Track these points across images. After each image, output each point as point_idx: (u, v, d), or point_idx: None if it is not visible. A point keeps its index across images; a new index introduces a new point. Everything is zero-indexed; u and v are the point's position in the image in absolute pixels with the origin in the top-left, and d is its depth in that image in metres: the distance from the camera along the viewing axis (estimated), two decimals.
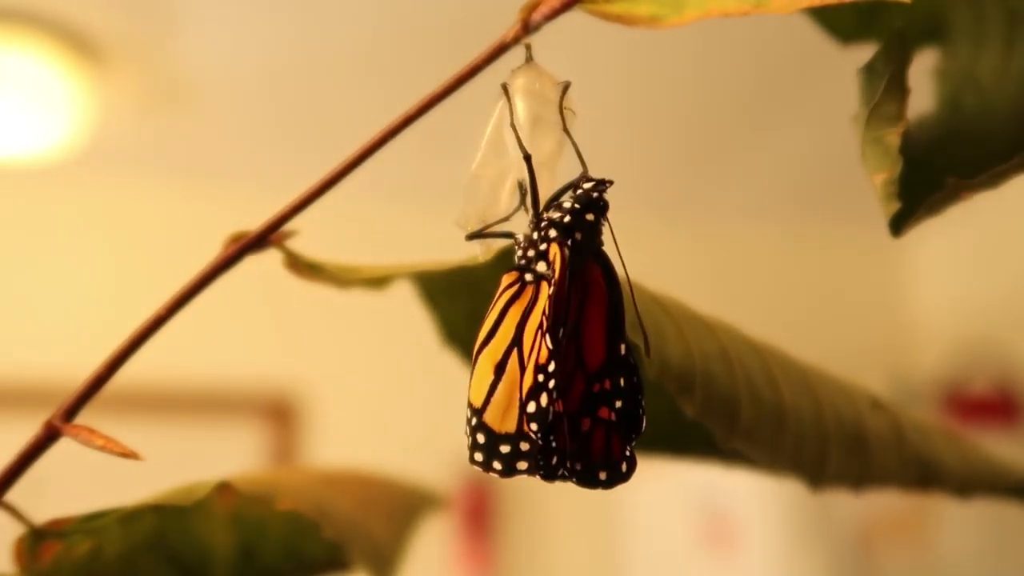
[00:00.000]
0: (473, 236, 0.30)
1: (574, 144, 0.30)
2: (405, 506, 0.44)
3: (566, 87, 0.29)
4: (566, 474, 0.29)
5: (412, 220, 1.99)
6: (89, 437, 0.31)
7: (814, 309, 2.28)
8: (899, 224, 0.31)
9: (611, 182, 0.30)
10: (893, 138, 0.30)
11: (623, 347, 0.30)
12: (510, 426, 0.29)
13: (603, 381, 0.30)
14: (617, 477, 0.30)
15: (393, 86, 1.52)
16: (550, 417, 0.28)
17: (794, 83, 1.80)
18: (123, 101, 1.78)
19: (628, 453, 0.30)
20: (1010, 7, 0.34)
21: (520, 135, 0.30)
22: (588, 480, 0.30)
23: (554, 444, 0.29)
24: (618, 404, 0.29)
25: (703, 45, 1.68)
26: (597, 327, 0.30)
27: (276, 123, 1.90)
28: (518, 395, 0.29)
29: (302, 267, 0.33)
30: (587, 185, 0.30)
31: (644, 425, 0.30)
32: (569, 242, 0.30)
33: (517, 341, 0.29)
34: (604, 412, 0.30)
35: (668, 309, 0.32)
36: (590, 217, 0.30)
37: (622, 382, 0.29)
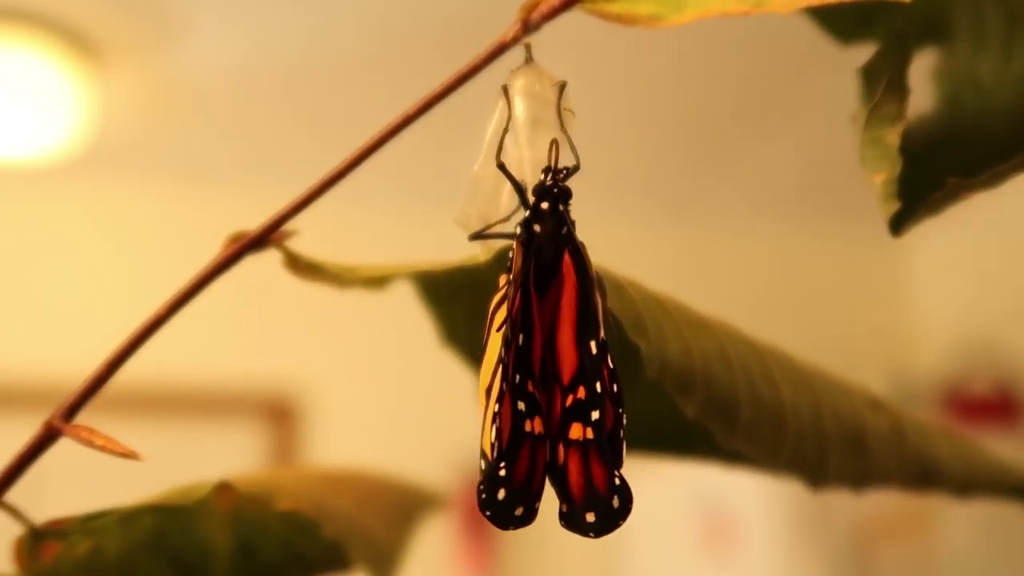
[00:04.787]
0: (475, 236, 0.29)
1: (569, 140, 0.28)
2: (405, 506, 0.44)
3: (563, 87, 0.29)
4: (523, 517, 0.24)
5: (412, 220, 1.99)
6: (89, 437, 0.31)
7: (814, 308, 2.28)
8: (899, 224, 0.31)
9: (575, 168, 0.27)
10: (893, 138, 0.30)
11: (594, 344, 0.25)
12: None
13: (576, 390, 0.25)
14: (610, 518, 0.24)
15: (393, 87, 1.52)
16: (498, 448, 0.24)
17: (794, 83, 1.80)
18: (124, 101, 1.78)
19: (618, 482, 0.24)
20: (1010, 7, 0.34)
21: (514, 137, 0.29)
22: (574, 524, 0.24)
23: (503, 472, 0.24)
24: (595, 416, 0.24)
25: (703, 45, 1.68)
26: (570, 329, 0.25)
27: (276, 123, 1.90)
28: None
29: (302, 267, 0.33)
30: (543, 175, 0.27)
31: (624, 454, 0.24)
32: (524, 238, 0.27)
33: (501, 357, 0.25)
34: (578, 430, 0.24)
35: (668, 309, 0.32)
36: (545, 205, 0.27)
37: (598, 387, 0.24)
